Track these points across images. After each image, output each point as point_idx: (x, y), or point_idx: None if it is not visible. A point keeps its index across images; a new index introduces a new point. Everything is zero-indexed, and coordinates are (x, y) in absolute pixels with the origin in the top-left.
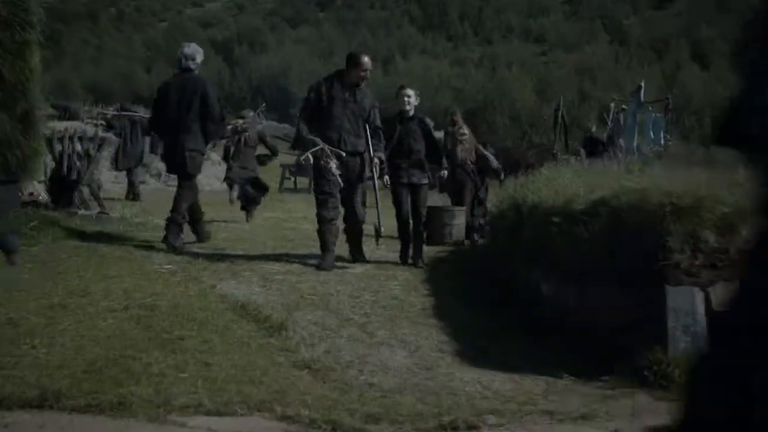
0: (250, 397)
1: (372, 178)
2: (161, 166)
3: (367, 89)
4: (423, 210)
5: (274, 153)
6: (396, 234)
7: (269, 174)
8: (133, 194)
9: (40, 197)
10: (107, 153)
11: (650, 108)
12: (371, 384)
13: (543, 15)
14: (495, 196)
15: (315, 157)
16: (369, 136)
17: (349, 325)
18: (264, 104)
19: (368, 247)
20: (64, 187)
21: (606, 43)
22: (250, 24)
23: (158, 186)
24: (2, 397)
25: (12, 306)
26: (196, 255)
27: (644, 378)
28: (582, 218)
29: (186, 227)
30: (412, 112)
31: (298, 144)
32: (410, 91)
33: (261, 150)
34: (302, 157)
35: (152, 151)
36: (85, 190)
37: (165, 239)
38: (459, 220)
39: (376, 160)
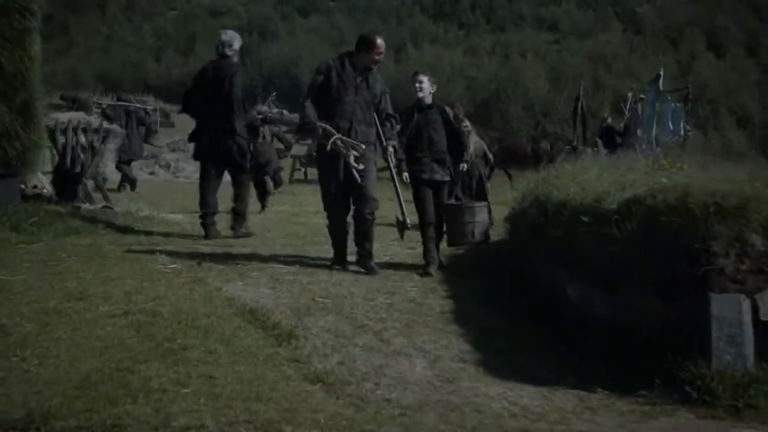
0: (257, 416)
1: (388, 168)
2: (170, 156)
3: (378, 73)
4: (442, 210)
5: (287, 146)
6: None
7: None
8: (129, 184)
9: (45, 190)
10: (112, 145)
11: (669, 97)
12: (389, 400)
13: (555, 2)
14: (515, 191)
15: (323, 145)
16: (380, 124)
17: (364, 332)
18: (275, 93)
19: (380, 243)
20: (67, 181)
21: (619, 31)
22: (261, 13)
23: (167, 177)
24: None
25: (4, 311)
26: (203, 253)
27: (686, 394)
28: (614, 218)
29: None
30: (429, 100)
31: (305, 130)
32: (423, 77)
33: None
34: (328, 148)
35: (145, 140)
36: (90, 184)
37: (232, 229)
38: (481, 217)
39: (390, 149)
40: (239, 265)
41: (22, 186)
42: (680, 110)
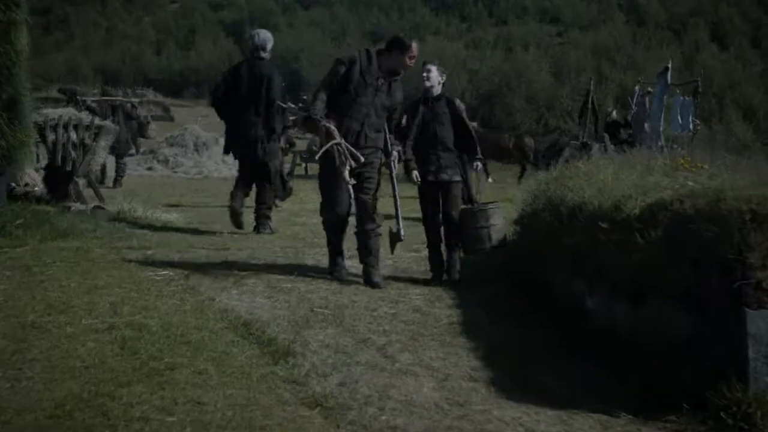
0: None
1: (390, 175)
2: (168, 151)
3: (401, 82)
4: (456, 213)
5: (291, 144)
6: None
7: None
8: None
9: (36, 188)
10: (105, 142)
11: (677, 91)
12: (394, 428)
13: None
14: (525, 192)
15: (327, 150)
16: (388, 131)
17: (367, 347)
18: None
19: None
20: (59, 179)
21: (622, 23)
22: (262, 6)
23: (165, 172)
24: None
25: None
26: (197, 259)
27: (720, 420)
28: (637, 225)
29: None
30: (438, 90)
31: (308, 124)
32: (431, 66)
33: None
34: (317, 156)
35: (140, 134)
36: (81, 182)
37: (256, 230)
38: (496, 220)
39: (394, 153)
40: (235, 271)
41: (13, 184)
42: (689, 104)
